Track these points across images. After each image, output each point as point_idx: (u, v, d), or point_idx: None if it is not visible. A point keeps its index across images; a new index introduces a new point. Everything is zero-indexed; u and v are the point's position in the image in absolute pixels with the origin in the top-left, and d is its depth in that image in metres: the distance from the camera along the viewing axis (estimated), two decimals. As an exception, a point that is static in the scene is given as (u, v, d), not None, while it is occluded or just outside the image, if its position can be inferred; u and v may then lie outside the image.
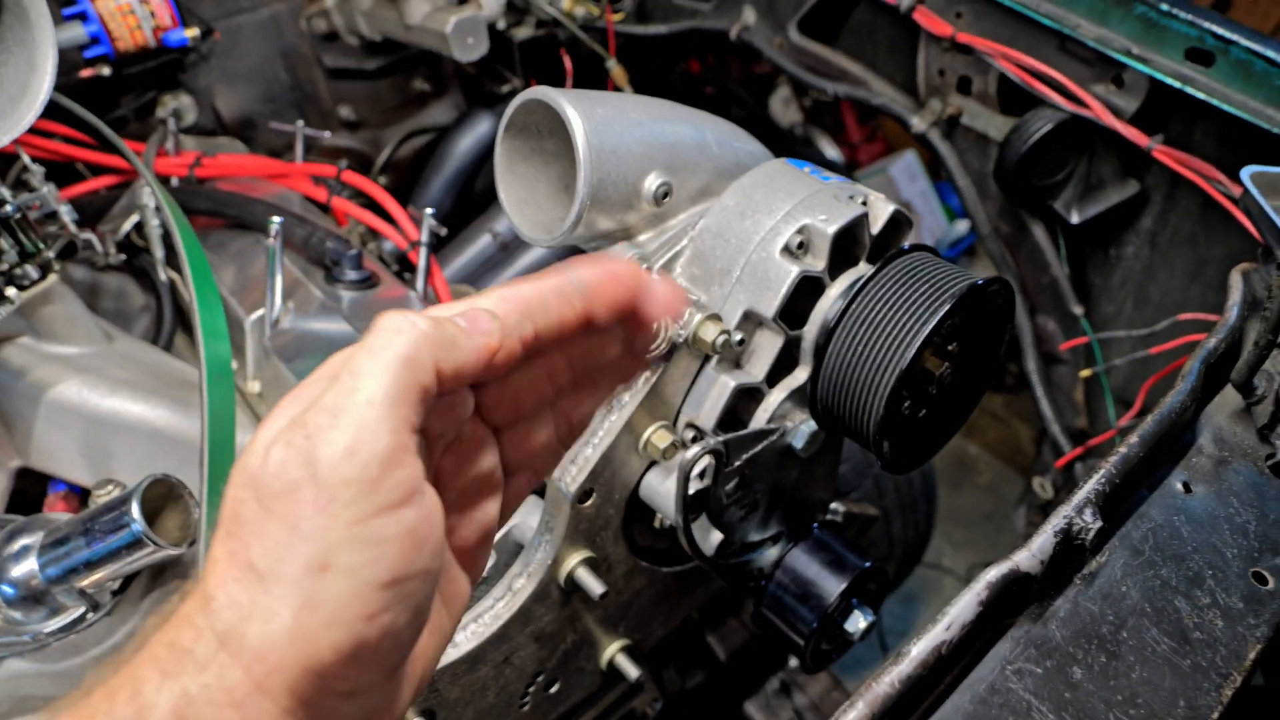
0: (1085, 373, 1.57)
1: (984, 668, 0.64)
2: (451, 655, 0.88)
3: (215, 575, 0.43)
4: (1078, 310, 1.59)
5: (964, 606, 0.62)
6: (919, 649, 0.60)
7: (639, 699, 1.27)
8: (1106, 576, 0.69)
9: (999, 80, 1.49)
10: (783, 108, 3.21)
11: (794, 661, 1.54)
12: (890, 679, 0.58)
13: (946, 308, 0.86)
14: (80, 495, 1.17)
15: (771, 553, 1.08)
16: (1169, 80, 1.27)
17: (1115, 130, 1.36)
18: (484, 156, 1.90)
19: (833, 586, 1.02)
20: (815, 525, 1.09)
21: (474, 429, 0.52)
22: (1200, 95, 1.24)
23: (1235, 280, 0.89)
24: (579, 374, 0.54)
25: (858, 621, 1.05)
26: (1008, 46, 1.44)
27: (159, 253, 1.32)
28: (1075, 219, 1.50)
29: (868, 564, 1.04)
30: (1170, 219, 1.55)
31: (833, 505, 1.16)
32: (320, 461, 0.41)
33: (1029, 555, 0.65)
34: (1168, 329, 1.46)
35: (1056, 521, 0.67)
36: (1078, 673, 0.64)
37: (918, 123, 1.63)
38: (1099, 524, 0.67)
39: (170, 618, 0.44)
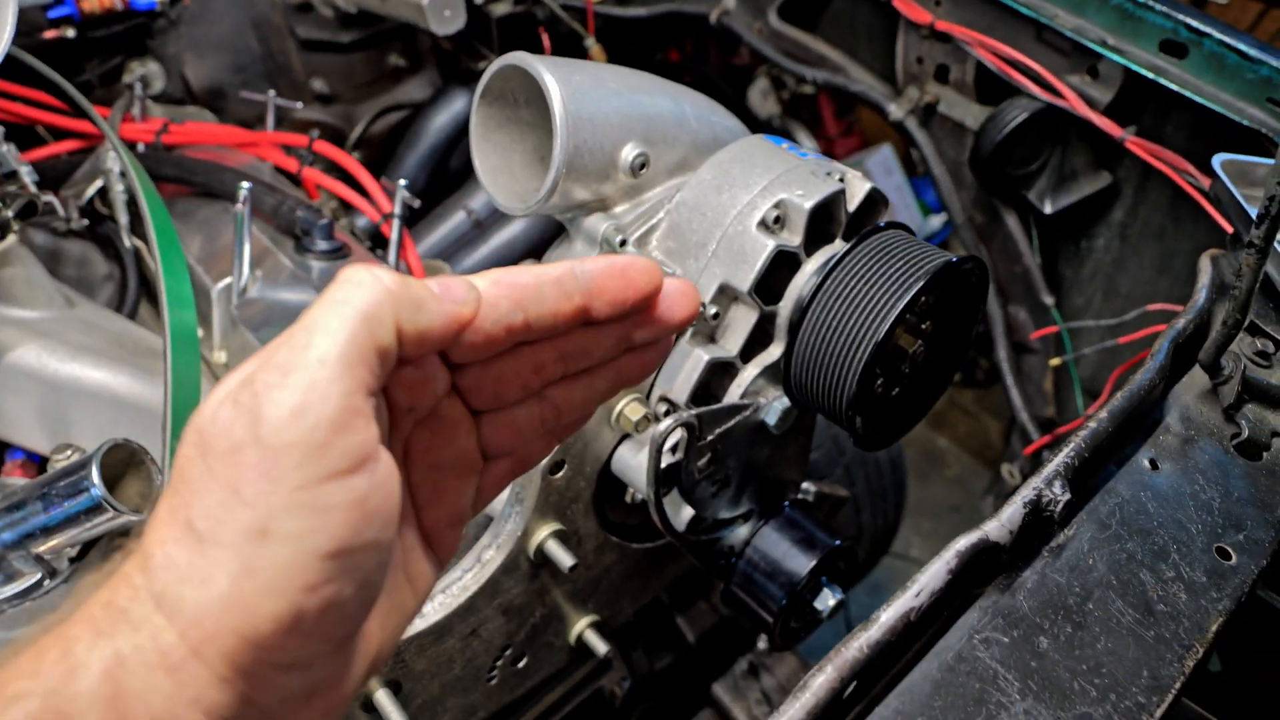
0: (1055, 361, 1.58)
1: (952, 636, 0.64)
2: (418, 626, 0.87)
3: (155, 534, 0.41)
4: (1049, 300, 1.60)
5: (933, 574, 0.62)
6: (888, 615, 0.60)
7: (607, 677, 1.26)
8: (1074, 549, 0.70)
9: (976, 69, 1.50)
10: (761, 99, 3.22)
11: (762, 644, 1.55)
12: (859, 644, 0.58)
13: (920, 284, 0.86)
14: (38, 463, 1.14)
15: (742, 530, 1.08)
16: (1143, 71, 1.29)
17: (1089, 121, 1.37)
18: (459, 134, 1.88)
19: (802, 564, 1.02)
20: (786, 504, 1.09)
21: (452, 409, 0.50)
22: (1173, 87, 1.25)
23: (1204, 264, 0.91)
24: (570, 366, 0.52)
25: (827, 599, 1.05)
26: (986, 35, 1.44)
27: (123, 219, 1.29)
28: (1048, 209, 1.52)
29: (837, 542, 1.05)
30: (1140, 212, 1.57)
31: (804, 485, 1.17)
32: (265, 422, 0.39)
33: (998, 525, 0.65)
34: (1136, 319, 1.48)
35: (1026, 493, 0.67)
36: (1044, 642, 0.64)
37: (895, 110, 1.64)
38: (1067, 496, 0.67)
39: (110, 576, 0.42)
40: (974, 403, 3.57)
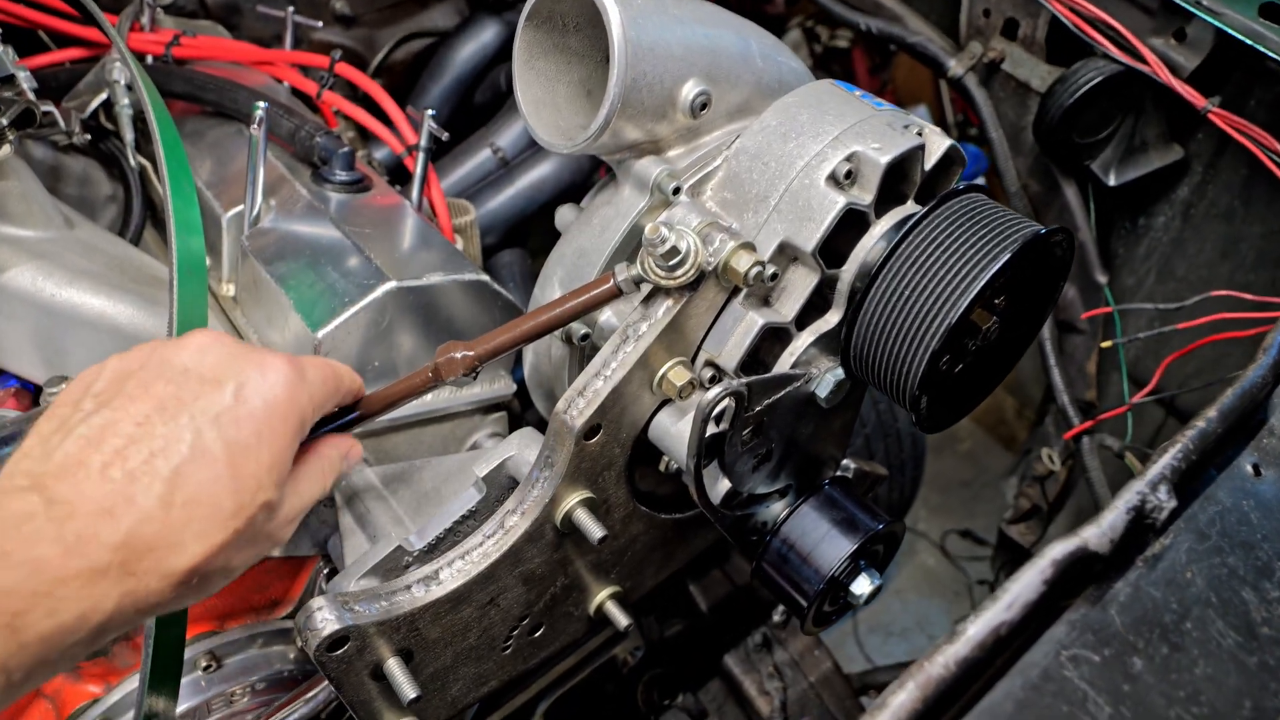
0: (1106, 344, 1.50)
1: (1037, 651, 0.58)
2: (435, 593, 0.81)
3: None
4: (1102, 279, 1.52)
5: (1027, 584, 0.56)
6: (976, 629, 0.53)
7: (620, 646, 1.21)
8: (1170, 561, 0.63)
9: (1049, 24, 1.40)
10: (793, 50, 3.09)
11: (778, 616, 1.50)
12: (943, 660, 0.52)
13: (1007, 256, 0.78)
14: (32, 393, 1.07)
15: (776, 507, 1.01)
16: (1239, 36, 1.18)
17: (1170, 88, 1.27)
18: (486, 66, 1.78)
19: (843, 547, 0.96)
20: (825, 481, 1.03)
21: None
22: (1273, 55, 1.15)
23: (1315, 250, 0.82)
24: None
25: (864, 585, 0.99)
26: (1064, -12, 1.34)
27: (129, 135, 1.20)
28: (1113, 181, 1.42)
29: (880, 525, 0.98)
30: (1208, 190, 1.47)
31: (844, 462, 1.10)
32: None
33: (1098, 533, 0.59)
34: (1196, 305, 1.40)
35: (1129, 497, 0.60)
36: (1138, 663, 0.58)
37: (954, 66, 1.53)
38: (1173, 503, 0.60)
39: None
40: (991, 377, 3.49)
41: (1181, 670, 0.58)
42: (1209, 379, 1.55)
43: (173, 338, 0.69)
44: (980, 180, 3.02)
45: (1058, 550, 0.57)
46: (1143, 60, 1.28)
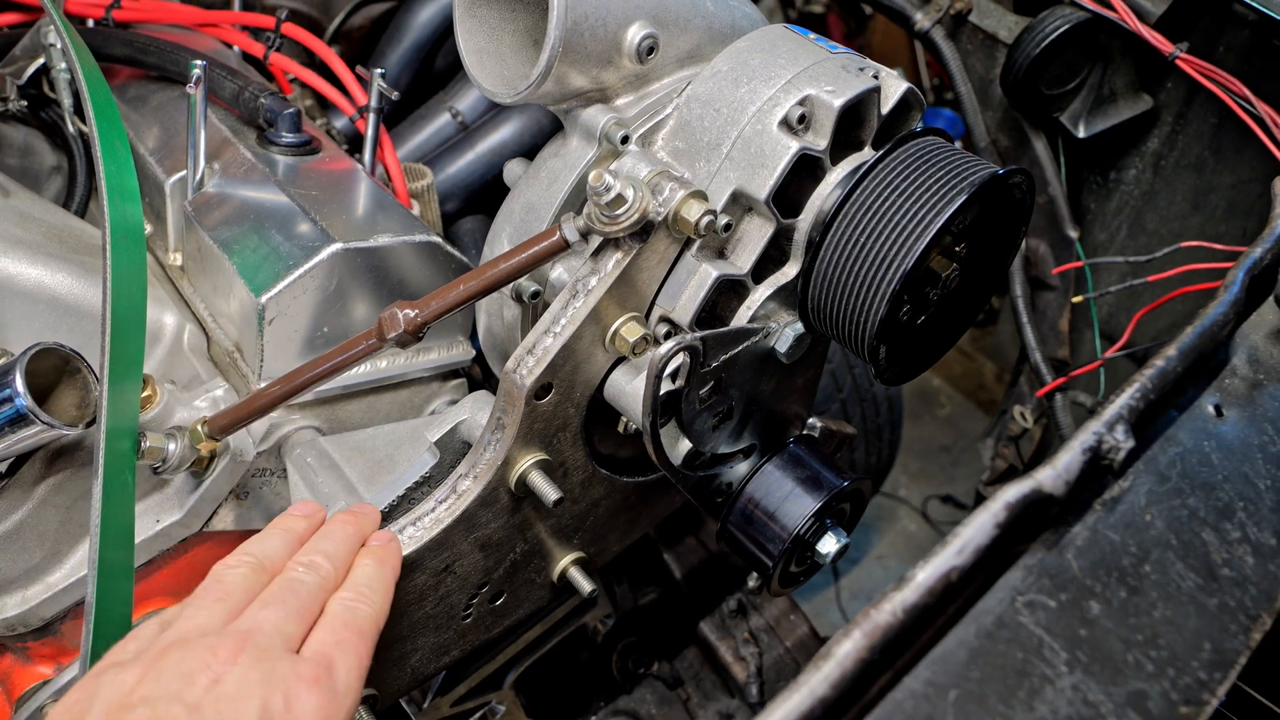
0: (1078, 298, 1.49)
1: (991, 598, 0.56)
2: (383, 561, 0.79)
3: None
4: (1074, 233, 1.50)
5: (978, 528, 0.54)
6: (926, 575, 0.51)
7: (590, 615, 1.20)
8: (1129, 503, 0.62)
9: (1016, -27, 1.37)
10: (767, 17, 3.04)
11: (752, 583, 1.48)
12: (891, 607, 0.50)
13: (963, 198, 0.75)
14: (-29, 369, 1.03)
15: (741, 467, 0.99)
16: (1206, -22, 1.16)
17: (1138, 35, 1.25)
18: (446, 30, 1.72)
19: (807, 505, 0.94)
20: (790, 440, 1.01)
21: None
22: (1239, -4, 1.13)
23: None
24: None
25: (830, 544, 0.97)
26: (1030, -66, 1.31)
27: (67, 100, 1.16)
28: (1082, 133, 1.40)
29: (845, 482, 0.96)
30: (1179, 141, 1.46)
31: (810, 420, 1.08)
32: None
33: (1053, 474, 0.57)
34: (1166, 257, 1.38)
35: (1085, 438, 0.58)
36: (1095, 608, 0.57)
37: (921, 19, 1.50)
38: (1131, 444, 0.59)
39: None
40: (970, 343, 3.49)
41: (1140, 614, 0.57)
42: (1180, 332, 1.54)
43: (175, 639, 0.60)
44: (956, 145, 3.00)
45: (1011, 493, 0.55)
46: (1110, 7, 1.25)
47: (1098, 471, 0.60)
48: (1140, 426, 0.62)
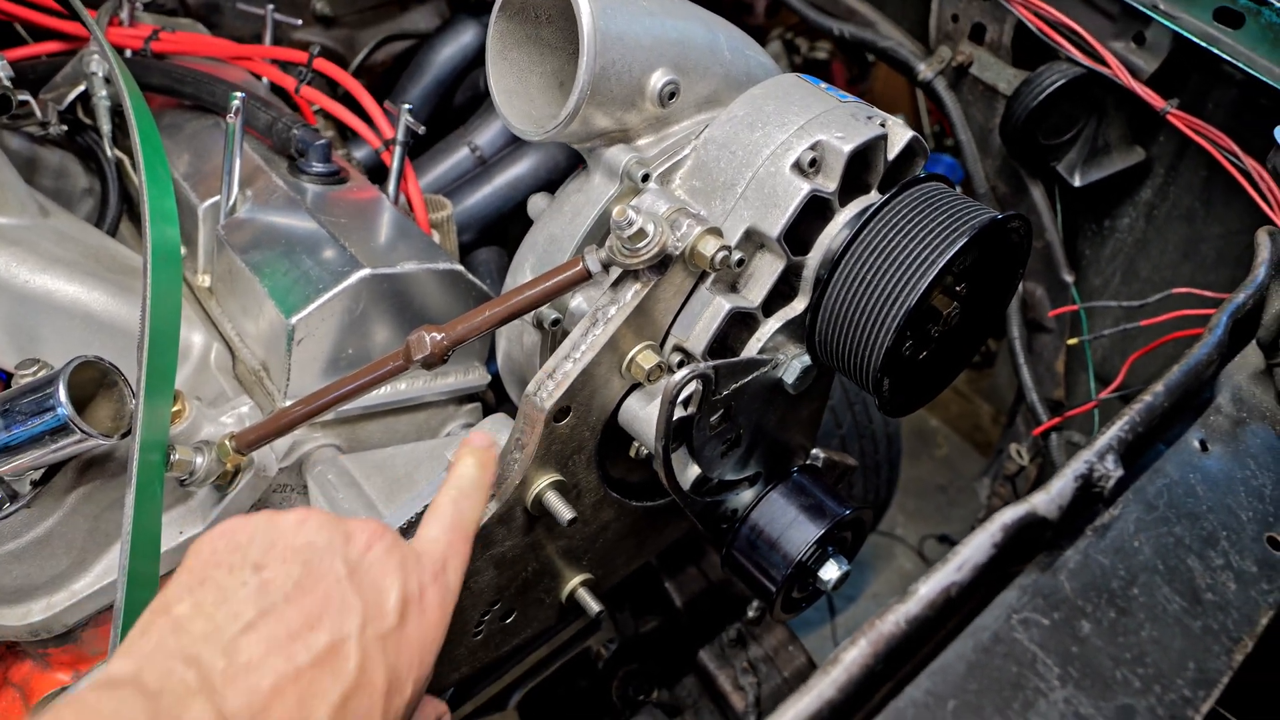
0: (1073, 341, 1.53)
1: (988, 615, 0.60)
2: (404, 573, 0.82)
3: None
4: (1069, 277, 1.55)
5: (976, 547, 0.57)
6: (927, 589, 0.55)
7: (594, 638, 1.22)
8: (1119, 530, 0.65)
9: (1015, 29, 1.43)
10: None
11: (752, 612, 1.51)
12: (895, 618, 0.53)
13: (964, 241, 0.80)
14: (5, 381, 1.07)
15: (746, 495, 1.02)
16: (1195, 39, 1.22)
17: (1131, 90, 1.30)
18: (466, 68, 1.79)
19: (810, 532, 0.97)
20: (795, 469, 1.04)
21: None
22: (1226, 57, 1.19)
23: (1263, 240, 0.85)
24: None
25: (831, 570, 1.00)
26: (1029, -7, 1.37)
27: (105, 127, 1.21)
28: (1078, 182, 1.46)
29: (847, 511, 1.00)
30: (1170, 192, 1.51)
31: (813, 451, 1.11)
32: None
33: (1047, 499, 0.60)
34: (1158, 303, 1.43)
35: (1077, 466, 0.62)
36: (1086, 627, 0.60)
37: (924, 70, 1.57)
38: (1120, 472, 0.62)
39: None
40: (967, 384, 3.53)
41: (1128, 633, 0.60)
42: (1173, 377, 1.58)
43: (338, 522, 0.63)
44: (957, 190, 3.07)
45: (1007, 515, 0.59)
46: (1104, 63, 1.32)
47: (1089, 498, 0.63)
48: (1129, 458, 0.66)
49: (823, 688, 0.50)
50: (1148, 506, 0.67)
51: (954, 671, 0.56)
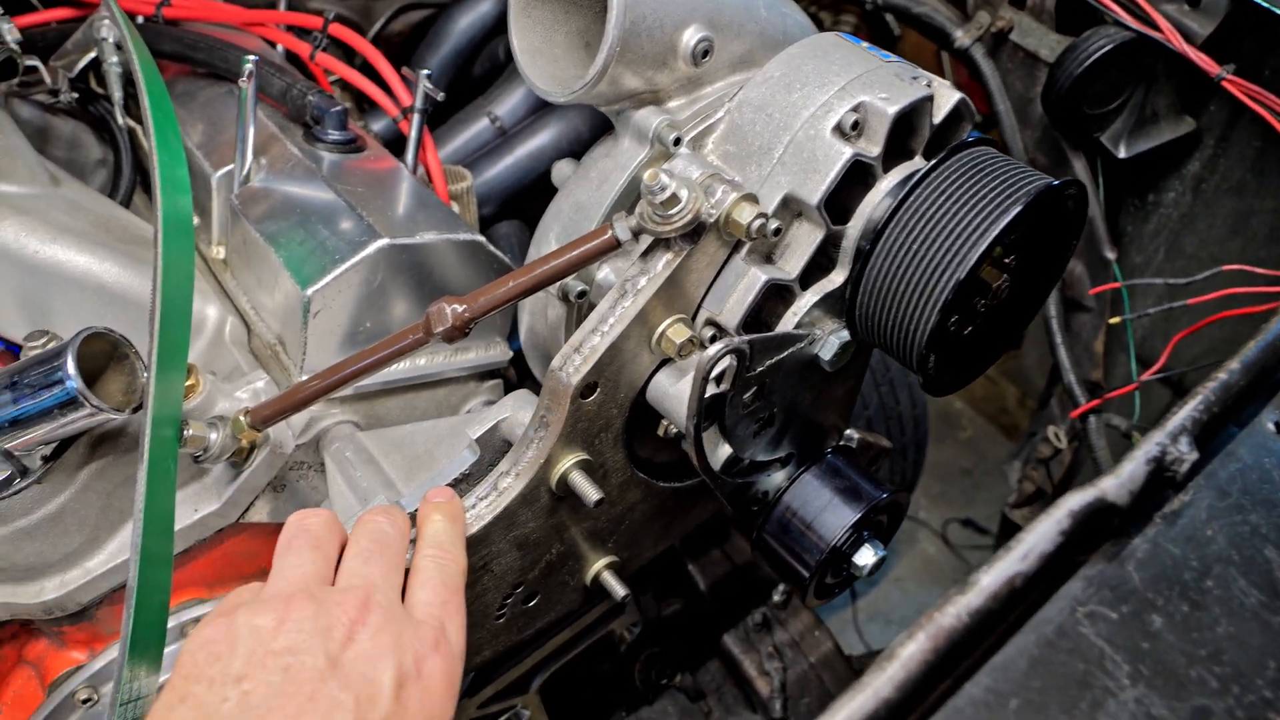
0: (1115, 320, 1.48)
1: (1051, 607, 0.56)
2: (424, 555, 0.78)
3: None
4: (1111, 255, 1.49)
5: (1042, 534, 0.53)
6: (990, 579, 0.51)
7: (617, 621, 1.19)
8: (1190, 517, 0.61)
9: (1060, -8, 1.37)
10: (800, 32, 3.05)
11: (777, 596, 1.47)
12: (956, 610, 0.49)
13: (1018, 209, 0.75)
14: (16, 354, 1.04)
15: (778, 476, 0.99)
16: (1255, -1, 1.16)
17: (1183, 55, 1.24)
18: (485, 37, 1.74)
19: (846, 516, 0.93)
20: (829, 450, 1.00)
21: None
22: (1290, 17, 1.12)
23: (1337, 208, 0.79)
24: None
25: (867, 555, 0.96)
26: (1076, -47, 1.31)
27: (117, 94, 1.17)
28: (1123, 153, 1.40)
29: (884, 494, 0.96)
30: (1220, 164, 1.44)
31: (847, 431, 1.07)
32: None
33: (1117, 483, 0.56)
34: (1207, 280, 1.37)
35: (1148, 448, 0.58)
36: (1157, 621, 0.55)
37: (961, 37, 1.50)
38: (1195, 455, 0.58)
39: None
40: (994, 366, 3.47)
41: (1203, 629, 0.56)
42: (1218, 358, 1.52)
43: (322, 593, 0.61)
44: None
45: (1074, 501, 0.54)
46: (1155, 27, 1.25)
47: (1160, 483, 0.59)
48: (1202, 440, 0.61)
49: (879, 685, 0.46)
50: (1220, 493, 0.62)
51: (1016, 668, 0.52)
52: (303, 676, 0.55)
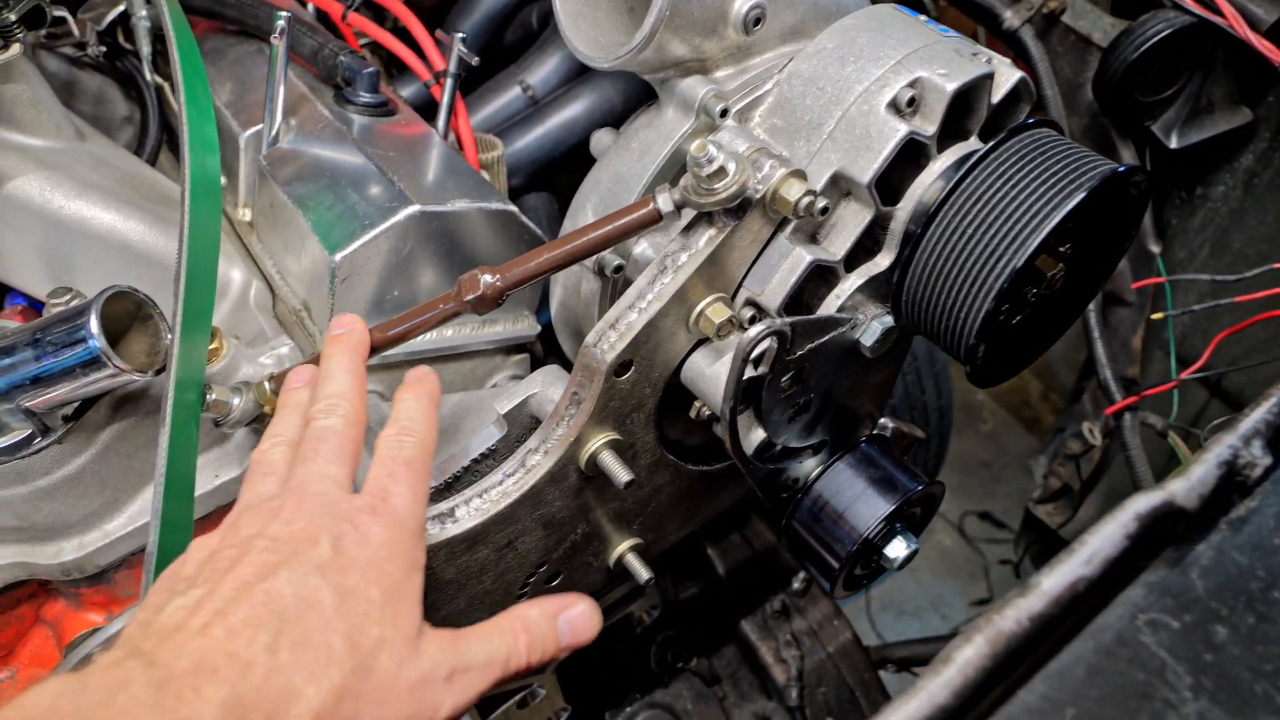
0: (1157, 315, 1.44)
1: (1110, 614, 0.53)
2: (450, 531, 0.77)
3: None
4: (1155, 249, 1.45)
5: (1107, 537, 0.50)
6: (1052, 582, 0.48)
7: (636, 603, 1.17)
8: (1257, 524, 0.58)
9: (1117, -27, 1.32)
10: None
11: (796, 584, 1.45)
12: (1016, 614, 0.46)
13: (1081, 195, 0.72)
14: (39, 311, 1.03)
15: (809, 463, 0.96)
16: (1328, -15, 1.10)
17: (1247, 43, 1.19)
18: (519, 3, 1.70)
19: (879, 507, 0.91)
20: (863, 439, 0.97)
21: None
22: (1364, 5, 1.07)
23: None
24: None
25: (899, 548, 0.94)
26: (1136, -68, 1.26)
27: (145, 49, 1.15)
28: (1175, 143, 1.35)
29: (919, 486, 0.93)
30: (1275, 158, 1.40)
31: (881, 420, 1.04)
32: None
33: (1187, 487, 0.53)
34: (1255, 279, 1.32)
35: (1220, 451, 0.55)
36: (1221, 632, 0.53)
37: (1010, 17, 1.45)
38: (1269, 460, 0.55)
39: None
40: (1017, 358, 3.42)
41: (1270, 642, 0.53)
42: (1260, 359, 1.48)
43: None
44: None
45: (1142, 503, 0.52)
46: (1217, 11, 1.20)
47: (1229, 488, 0.56)
48: (1274, 444, 0.58)
49: (934, 689, 0.44)
50: (1289, 500, 0.59)
51: (1073, 676, 0.50)
52: (248, 574, 0.58)
